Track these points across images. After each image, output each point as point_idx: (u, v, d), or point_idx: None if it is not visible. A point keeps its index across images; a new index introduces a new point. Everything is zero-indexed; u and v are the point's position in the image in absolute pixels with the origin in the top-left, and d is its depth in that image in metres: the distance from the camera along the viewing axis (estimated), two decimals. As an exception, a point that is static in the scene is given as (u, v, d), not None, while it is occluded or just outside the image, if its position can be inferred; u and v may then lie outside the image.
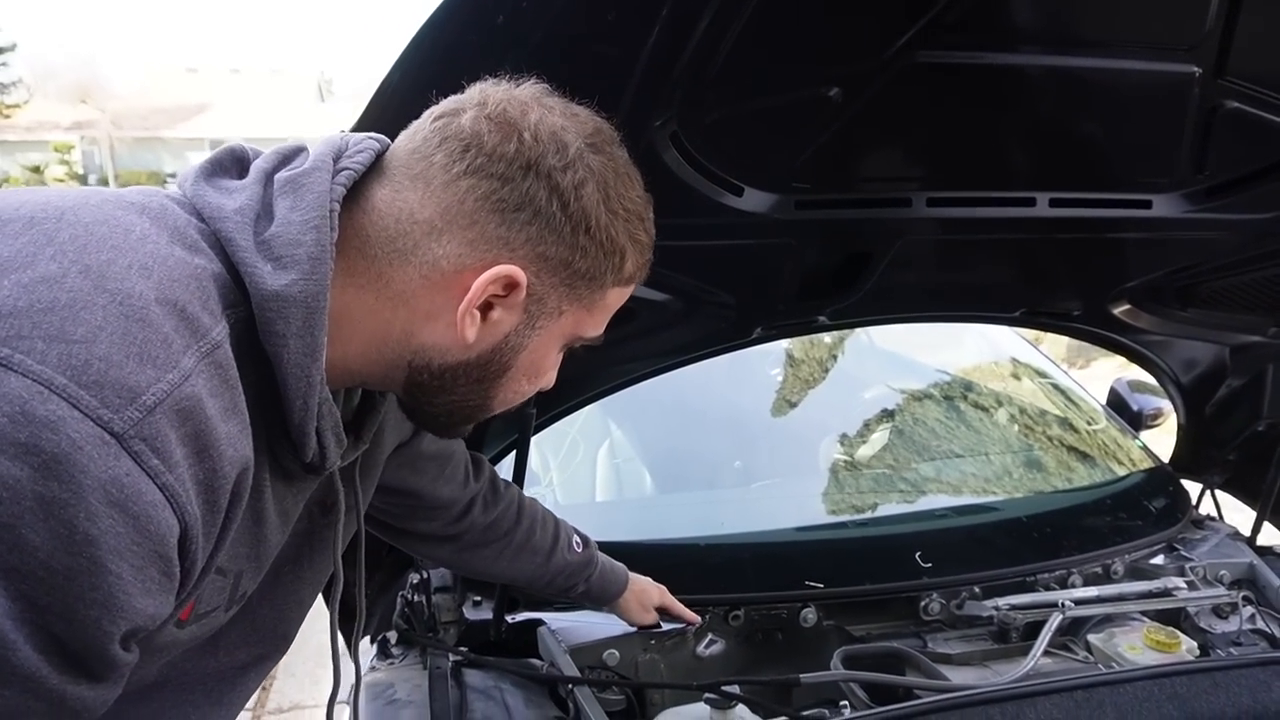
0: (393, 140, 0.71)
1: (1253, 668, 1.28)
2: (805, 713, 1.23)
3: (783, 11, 0.98)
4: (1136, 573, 1.64)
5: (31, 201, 0.57)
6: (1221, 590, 1.58)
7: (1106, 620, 1.49)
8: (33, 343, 0.49)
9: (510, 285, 0.68)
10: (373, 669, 1.43)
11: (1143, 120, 1.27)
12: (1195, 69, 1.16)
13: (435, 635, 1.43)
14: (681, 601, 1.42)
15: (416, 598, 1.45)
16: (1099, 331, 1.70)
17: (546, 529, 1.29)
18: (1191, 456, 1.99)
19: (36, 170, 22.86)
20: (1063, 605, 1.43)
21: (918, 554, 1.51)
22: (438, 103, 0.71)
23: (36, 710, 0.53)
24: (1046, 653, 1.34)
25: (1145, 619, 1.49)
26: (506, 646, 1.39)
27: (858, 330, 2.42)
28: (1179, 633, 1.41)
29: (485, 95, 0.68)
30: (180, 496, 0.54)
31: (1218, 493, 1.95)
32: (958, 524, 1.69)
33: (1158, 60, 1.16)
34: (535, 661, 1.38)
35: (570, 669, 1.33)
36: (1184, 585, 1.57)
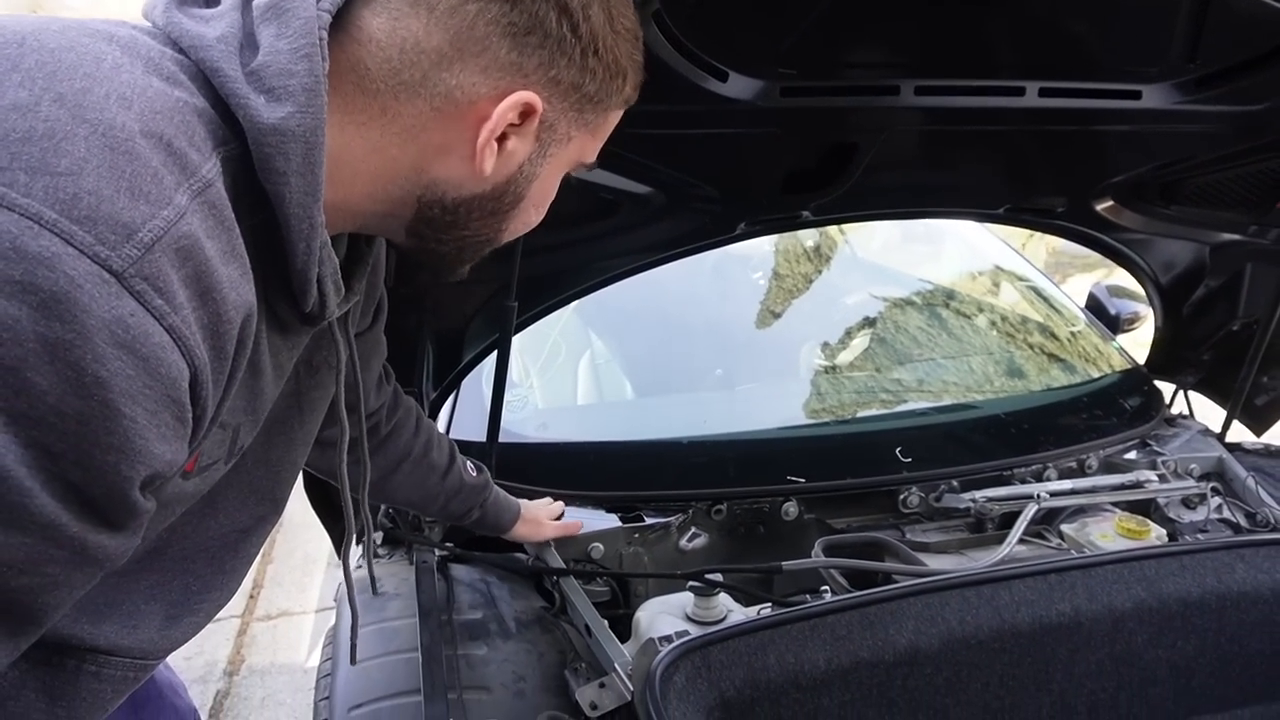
0: None
1: (1217, 551, 1.33)
2: (787, 598, 1.26)
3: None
4: (1110, 467, 1.68)
5: None
6: (1191, 482, 1.61)
7: (1080, 512, 1.53)
8: (14, 175, 0.46)
9: (527, 113, 0.66)
10: (359, 567, 1.44)
11: (1136, 6, 1.23)
12: (1192, -52, 1.13)
13: (421, 533, 1.44)
14: (664, 496, 1.44)
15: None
16: (1082, 229, 1.69)
17: (443, 448, 1.24)
18: (1167, 358, 2.01)
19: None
20: (1038, 497, 1.46)
21: (898, 449, 1.53)
22: None
23: (57, 558, 0.52)
24: (1021, 541, 1.37)
25: (1117, 510, 1.52)
26: (492, 542, 1.41)
27: (840, 239, 2.41)
28: (1149, 521, 1.44)
29: None
30: (188, 339, 0.52)
31: (1190, 393, 1.98)
32: (937, 421, 1.71)
33: (1155, -62, 1.13)
34: (520, 555, 1.40)
35: (556, 561, 1.35)
36: (1155, 478, 1.60)
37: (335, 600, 1.44)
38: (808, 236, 2.32)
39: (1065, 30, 1.27)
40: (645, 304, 2.01)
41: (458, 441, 1.29)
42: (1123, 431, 1.73)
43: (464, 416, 1.52)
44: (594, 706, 1.13)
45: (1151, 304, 1.99)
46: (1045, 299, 2.27)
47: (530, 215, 0.75)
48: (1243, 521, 1.55)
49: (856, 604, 1.16)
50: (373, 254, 0.80)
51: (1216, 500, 1.58)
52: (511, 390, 1.68)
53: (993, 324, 2.23)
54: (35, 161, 0.47)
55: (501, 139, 0.67)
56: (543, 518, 1.37)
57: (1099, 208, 1.62)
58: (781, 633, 1.12)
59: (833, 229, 2.36)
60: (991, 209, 1.59)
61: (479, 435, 1.40)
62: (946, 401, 1.82)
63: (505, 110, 0.64)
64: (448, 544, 1.41)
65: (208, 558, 0.78)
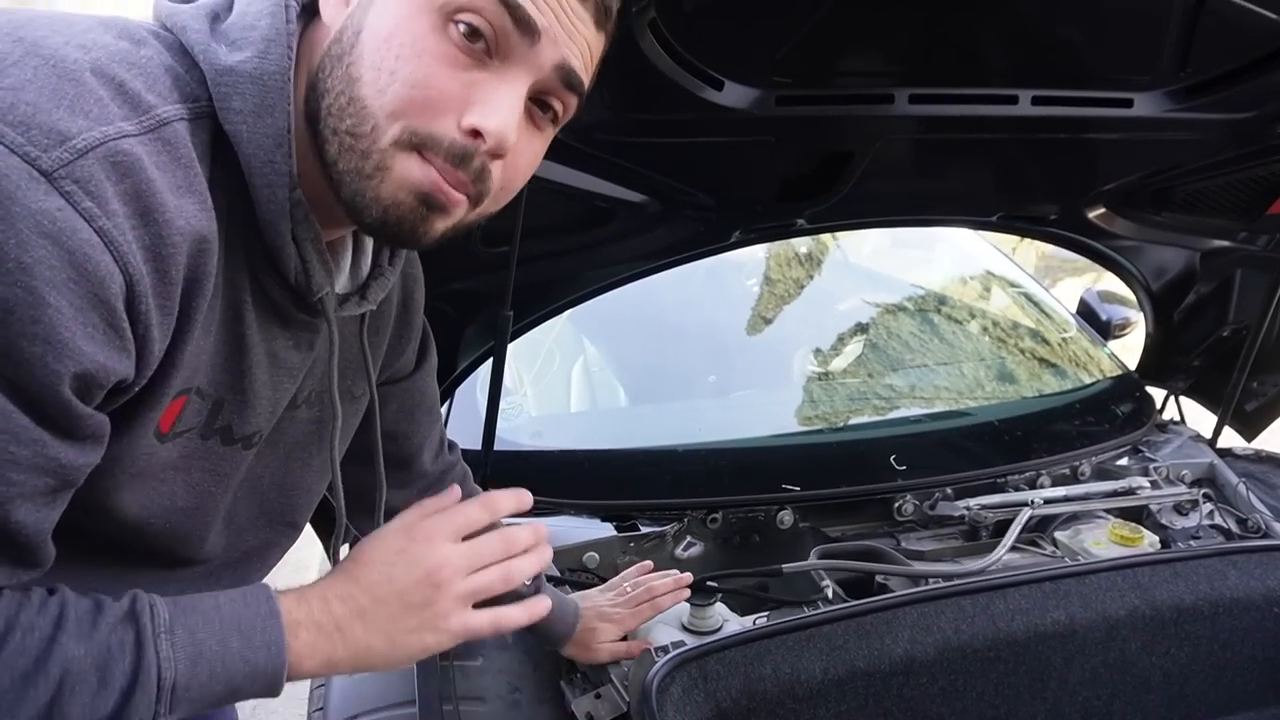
0: None
1: (1210, 558, 1.33)
2: (785, 600, 1.26)
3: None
4: (1102, 473, 1.68)
5: None
6: (1182, 489, 1.62)
7: (1073, 519, 1.54)
8: None
9: None
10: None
11: (1128, 15, 1.24)
12: (1183, -43, 1.13)
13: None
14: (659, 505, 1.44)
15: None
16: (1074, 236, 1.70)
17: None
18: (1158, 363, 2.02)
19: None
20: (1032, 503, 1.46)
21: (892, 457, 1.53)
22: None
23: (22, 458, 0.52)
24: (1015, 548, 1.37)
25: (1110, 516, 1.53)
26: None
27: (832, 245, 2.41)
28: (1141, 528, 1.45)
29: None
30: (120, 245, 0.52)
31: (1182, 399, 1.99)
32: (930, 429, 1.71)
33: (1146, -50, 1.13)
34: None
35: (551, 570, 1.34)
36: (1147, 484, 1.61)
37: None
38: (800, 242, 2.32)
39: (1058, 39, 1.27)
40: (639, 310, 2.01)
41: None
42: (1115, 438, 1.74)
43: (459, 425, 1.51)
44: (590, 717, 1.12)
45: (1142, 309, 2.00)
46: (1036, 304, 2.28)
47: (383, 56, 0.59)
48: (1234, 528, 1.56)
49: (852, 613, 1.16)
50: (395, 272, 0.79)
51: (1208, 506, 1.59)
52: (506, 398, 1.67)
53: (984, 329, 2.24)
54: None
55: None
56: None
57: (1091, 215, 1.63)
58: (777, 643, 1.12)
59: (824, 234, 2.37)
60: (985, 216, 1.60)
61: (474, 443, 1.40)
62: (939, 408, 1.82)
63: None
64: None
65: (214, 580, 0.77)
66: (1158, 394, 1.99)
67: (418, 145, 0.60)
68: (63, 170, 0.50)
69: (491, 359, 1.33)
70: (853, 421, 1.77)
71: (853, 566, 1.28)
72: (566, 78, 0.63)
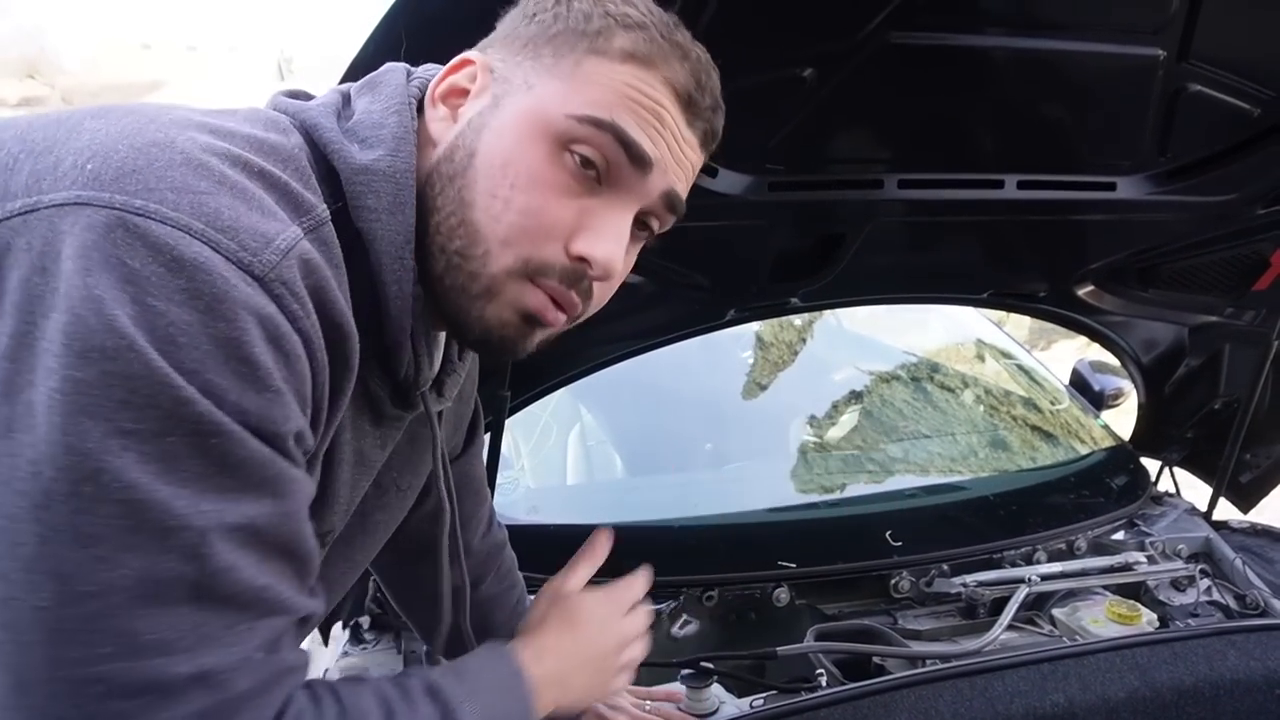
0: None
1: (1209, 638, 1.32)
2: (781, 687, 1.25)
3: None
4: (1099, 548, 1.68)
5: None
6: (1179, 564, 1.62)
7: (1070, 595, 1.53)
8: (163, 194, 0.50)
9: (471, 74, 0.65)
10: (345, 654, 1.42)
11: (1109, 103, 1.29)
12: (1160, 52, 1.18)
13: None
14: (655, 582, 1.43)
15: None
16: (1064, 313, 1.73)
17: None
18: (1151, 435, 2.03)
19: (-17, 150, 22.18)
20: (1029, 581, 1.46)
21: (888, 533, 1.53)
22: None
23: (291, 490, 0.56)
24: (1012, 626, 1.37)
25: (1107, 593, 1.52)
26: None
27: (826, 313, 2.44)
28: (1139, 605, 1.44)
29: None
30: (313, 344, 0.55)
31: (1176, 470, 2.00)
32: (926, 503, 1.71)
33: (1124, 43, 1.18)
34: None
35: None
36: (1144, 560, 1.61)
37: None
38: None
39: (1042, 125, 1.32)
40: (634, 379, 2.02)
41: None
42: (1110, 511, 1.74)
43: (454, 500, 1.52)
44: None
45: (1134, 382, 2.02)
46: (1028, 374, 2.30)
47: (498, 183, 0.61)
48: (1232, 604, 1.55)
49: (849, 696, 1.15)
50: (465, 367, 0.81)
51: (1206, 582, 1.58)
52: (503, 471, 1.68)
53: (978, 398, 2.26)
54: (179, 183, 0.50)
55: (457, 106, 0.65)
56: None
57: (1080, 292, 1.66)
58: (773, 728, 1.11)
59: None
60: (976, 294, 1.63)
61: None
62: (934, 479, 1.83)
63: (446, 72, 0.66)
64: (436, 632, 1.39)
65: None
66: (1152, 465, 2.00)
67: (530, 273, 0.63)
68: (272, 273, 0.52)
69: (489, 437, 1.34)
70: (848, 494, 1.77)
71: (849, 648, 1.27)
72: (671, 203, 0.67)
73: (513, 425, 1.78)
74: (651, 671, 1.36)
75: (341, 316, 0.57)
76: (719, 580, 1.45)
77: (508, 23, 0.67)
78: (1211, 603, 1.56)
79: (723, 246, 1.33)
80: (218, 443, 0.50)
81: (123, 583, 0.47)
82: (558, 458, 1.91)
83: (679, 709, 1.21)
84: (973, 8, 1.08)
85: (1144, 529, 1.74)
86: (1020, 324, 5.77)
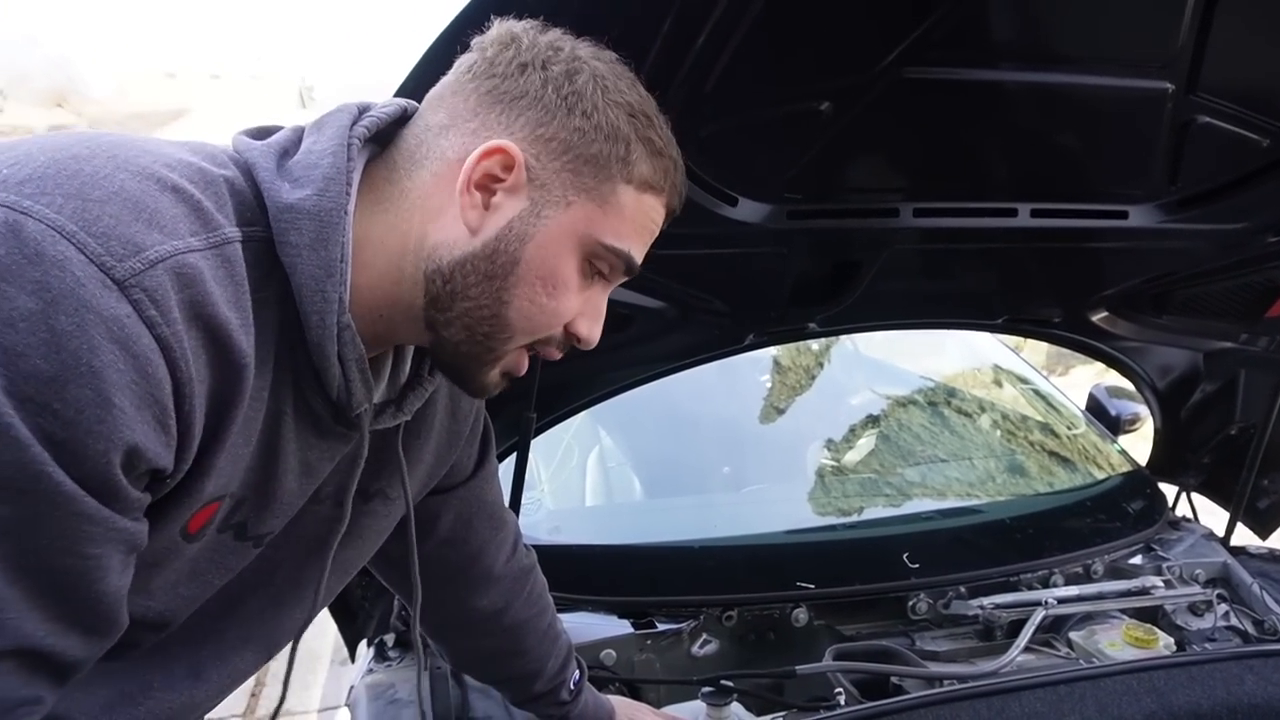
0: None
1: (1226, 662, 1.33)
2: (800, 705, 1.27)
3: (776, 30, 1.02)
4: (1116, 572, 1.69)
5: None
6: (1197, 589, 1.63)
7: (1087, 618, 1.54)
8: (53, 198, 0.54)
9: (507, 164, 0.68)
10: (370, 670, 1.45)
11: (1119, 134, 1.32)
12: (1168, 85, 1.21)
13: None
14: (676, 601, 1.46)
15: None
16: (1079, 338, 1.75)
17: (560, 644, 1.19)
18: (1168, 460, 2.04)
19: (12, 176, 22.59)
20: (1046, 603, 1.47)
21: (905, 555, 1.55)
22: None
23: (96, 535, 0.56)
24: (1029, 649, 1.38)
25: (1124, 617, 1.53)
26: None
27: (844, 338, 2.47)
28: (1156, 629, 1.45)
29: (507, 27, 0.73)
30: (174, 351, 0.57)
31: (1193, 495, 2.00)
32: (943, 526, 1.73)
33: (1133, 77, 1.21)
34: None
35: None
36: (1161, 584, 1.62)
37: (348, 705, 1.44)
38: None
39: (1054, 155, 1.35)
40: (654, 403, 2.05)
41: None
42: (1127, 535, 1.75)
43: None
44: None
45: (1150, 408, 2.03)
46: (1044, 399, 2.31)
47: (537, 293, 0.70)
48: (1250, 629, 1.56)
49: (867, 715, 1.16)
50: (434, 382, 0.83)
51: (1223, 607, 1.59)
52: (526, 493, 1.71)
53: (994, 423, 2.27)
54: (73, 190, 0.55)
55: (489, 193, 0.69)
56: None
57: (1094, 318, 1.68)
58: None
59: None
60: (991, 319, 1.66)
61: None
62: (952, 503, 1.84)
63: (480, 155, 0.68)
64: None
65: (191, 656, 0.78)
66: (1169, 490, 2.00)
67: (532, 346, 0.75)
68: (133, 279, 0.54)
69: (514, 455, 1.37)
70: (866, 517, 1.79)
71: (867, 668, 1.29)
72: (634, 272, 0.77)
73: (535, 447, 1.82)
74: (672, 690, 1.38)
75: (223, 330, 0.60)
76: (738, 600, 1.47)
77: (535, 108, 0.69)
78: (1229, 628, 1.56)
79: (743, 273, 1.37)
80: (8, 455, 0.51)
81: None
82: (578, 479, 1.94)
83: None
84: (982, 45, 1.12)
85: (1161, 554, 1.75)
86: (1038, 349, 5.76)
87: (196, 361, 0.58)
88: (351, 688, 1.44)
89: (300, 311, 0.66)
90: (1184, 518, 1.93)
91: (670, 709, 1.29)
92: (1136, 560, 1.75)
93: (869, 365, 2.56)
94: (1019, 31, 1.13)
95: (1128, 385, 2.23)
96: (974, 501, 1.88)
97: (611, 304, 1.37)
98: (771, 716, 1.26)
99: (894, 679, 1.31)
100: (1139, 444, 2.20)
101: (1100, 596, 1.55)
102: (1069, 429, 2.16)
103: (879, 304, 1.51)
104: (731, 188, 1.23)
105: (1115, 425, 2.27)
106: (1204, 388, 1.90)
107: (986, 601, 1.49)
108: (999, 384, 2.43)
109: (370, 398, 0.74)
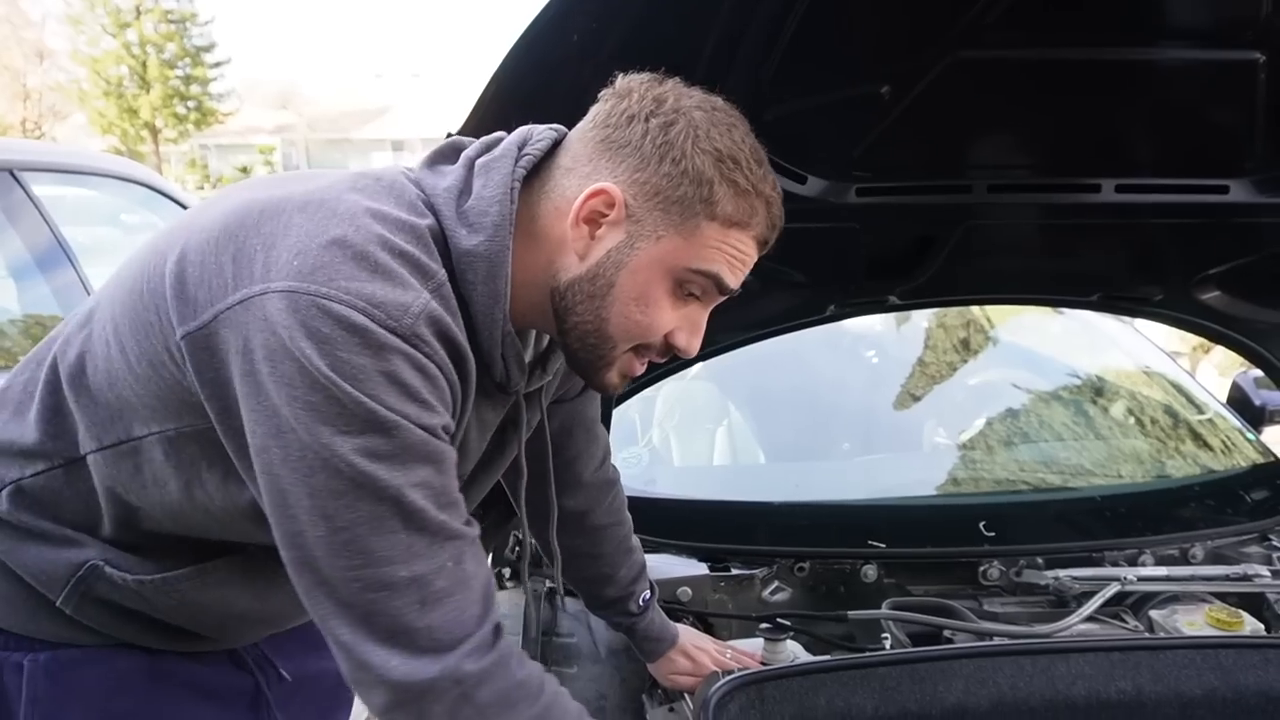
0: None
1: (1308, 648, 1.30)
2: (851, 647, 1.36)
3: (829, 16, 1.11)
4: (1219, 559, 1.64)
5: (301, 189, 0.84)
6: (1309, 581, 1.55)
7: (1174, 600, 1.52)
8: (338, 283, 0.76)
9: (609, 203, 0.84)
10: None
11: (1207, 107, 1.30)
12: (1258, 55, 1.19)
13: (540, 569, 1.65)
14: (751, 550, 1.57)
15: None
16: (1189, 318, 1.70)
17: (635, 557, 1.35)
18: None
19: (244, 170, 25.40)
20: (1124, 579, 1.47)
21: (982, 524, 1.59)
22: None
23: (447, 463, 0.83)
24: (1094, 618, 1.39)
25: (1215, 600, 1.50)
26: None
27: (985, 324, 2.46)
28: (1242, 613, 1.42)
29: (627, 82, 0.89)
30: (445, 368, 0.81)
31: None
32: (1027, 499, 1.74)
33: (1217, 49, 1.20)
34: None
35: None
36: (1268, 574, 1.56)
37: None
38: (958, 323, 2.38)
39: (1137, 130, 1.35)
40: (772, 372, 2.16)
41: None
42: (1239, 523, 1.69)
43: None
44: (662, 728, 1.27)
45: (1287, 396, 1.92)
46: (1180, 389, 2.22)
47: (631, 310, 0.87)
48: (1363, 626, 1.48)
49: (908, 659, 1.24)
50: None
51: (1335, 600, 1.52)
52: (628, 449, 1.88)
53: (1128, 411, 2.21)
54: (349, 273, 0.77)
55: (595, 227, 0.86)
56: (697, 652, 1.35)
57: (1202, 297, 1.63)
58: (833, 677, 1.22)
59: (977, 312, 2.41)
60: (1084, 296, 1.65)
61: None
62: (1043, 479, 1.84)
63: (588, 195, 0.85)
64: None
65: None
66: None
67: (637, 352, 0.92)
68: (410, 331, 0.77)
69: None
70: (952, 489, 1.83)
71: (916, 618, 1.35)
72: (726, 292, 0.92)
73: (639, 405, 1.99)
74: (741, 626, 1.51)
75: (460, 348, 0.82)
76: (810, 553, 1.57)
77: (635, 156, 0.85)
78: (1339, 622, 1.49)
79: (817, 247, 1.45)
80: (396, 434, 0.76)
81: (360, 521, 0.76)
82: (687, 442, 2.09)
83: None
84: (1037, 23, 1.16)
85: (1277, 544, 1.68)
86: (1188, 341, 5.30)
87: (453, 373, 0.83)
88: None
89: (474, 327, 0.87)
90: (1319, 513, 1.82)
91: (733, 643, 1.42)
92: (1249, 551, 1.68)
93: (997, 347, 2.53)
94: (1076, 8, 1.15)
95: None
96: (1078, 483, 1.86)
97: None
98: (824, 657, 1.36)
99: (946, 632, 1.37)
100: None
101: (1191, 579, 1.52)
102: (1199, 416, 2.07)
103: (961, 278, 1.55)
104: (800, 166, 1.33)
105: (1259, 416, 2.14)
106: (1347, 375, 1.78)
107: (1062, 573, 1.51)
108: (1131, 373, 2.34)
109: (524, 380, 0.96)
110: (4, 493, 0.93)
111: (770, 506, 1.70)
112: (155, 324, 0.82)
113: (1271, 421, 2.14)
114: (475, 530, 0.86)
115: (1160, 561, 1.60)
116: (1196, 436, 2.03)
